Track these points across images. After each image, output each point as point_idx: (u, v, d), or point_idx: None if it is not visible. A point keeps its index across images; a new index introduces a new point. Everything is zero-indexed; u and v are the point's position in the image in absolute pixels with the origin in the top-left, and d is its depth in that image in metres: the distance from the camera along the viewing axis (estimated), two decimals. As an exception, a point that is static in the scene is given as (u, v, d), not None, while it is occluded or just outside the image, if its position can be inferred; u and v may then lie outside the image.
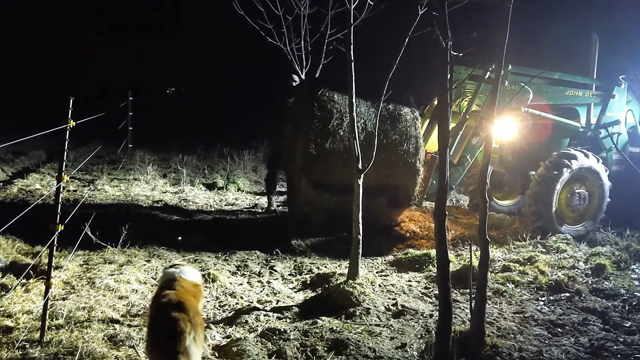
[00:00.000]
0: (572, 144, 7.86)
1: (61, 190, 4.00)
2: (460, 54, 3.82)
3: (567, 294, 5.31)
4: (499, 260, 6.27)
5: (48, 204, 7.61)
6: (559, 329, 4.54)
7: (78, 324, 4.14)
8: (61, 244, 4.77)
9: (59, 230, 3.97)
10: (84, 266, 5.51)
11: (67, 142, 3.99)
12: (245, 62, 18.93)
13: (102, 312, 4.36)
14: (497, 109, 4.07)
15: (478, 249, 4.30)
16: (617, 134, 7.97)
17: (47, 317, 3.99)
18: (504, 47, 3.86)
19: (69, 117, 3.94)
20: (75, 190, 9.05)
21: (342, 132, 6.68)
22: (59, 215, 3.97)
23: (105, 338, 3.96)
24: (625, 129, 8.17)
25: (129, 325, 4.21)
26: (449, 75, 3.69)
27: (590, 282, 5.68)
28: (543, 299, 5.28)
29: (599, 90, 7.86)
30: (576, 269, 6.03)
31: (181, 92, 24.00)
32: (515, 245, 6.86)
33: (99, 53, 20.88)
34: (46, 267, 4.09)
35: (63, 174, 3.98)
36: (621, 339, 4.35)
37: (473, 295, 4.02)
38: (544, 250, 6.65)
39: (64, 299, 4.61)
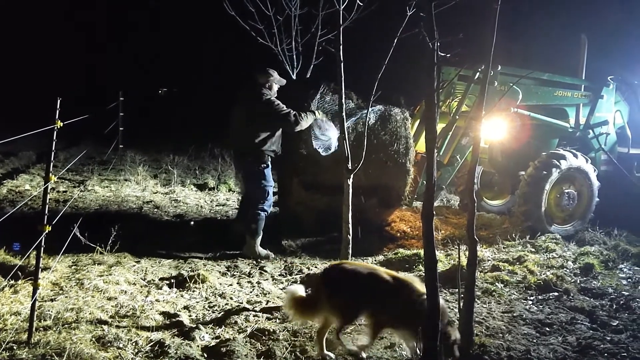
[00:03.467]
0: (561, 144, 7.90)
1: (51, 191, 3.99)
2: (448, 55, 3.83)
3: (556, 293, 5.34)
4: (488, 260, 6.30)
5: (37, 205, 7.58)
6: (547, 328, 4.57)
7: (66, 325, 4.12)
8: (50, 245, 4.75)
9: (47, 231, 3.95)
10: (73, 267, 5.49)
11: (54, 142, 3.98)
12: (236, 63, 18.91)
13: (90, 313, 4.35)
14: (486, 109, 4.10)
15: (467, 248, 4.33)
16: (605, 134, 8.03)
17: (35, 318, 3.97)
18: (492, 48, 3.88)
19: (57, 117, 3.92)
20: (65, 191, 9.01)
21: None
22: (46, 216, 3.95)
23: (94, 339, 3.94)
24: (613, 129, 8.23)
25: (118, 326, 4.20)
26: (436, 76, 3.71)
27: (578, 282, 5.72)
28: (532, 298, 5.31)
29: (588, 91, 7.91)
30: (565, 269, 6.06)
31: (173, 92, 23.92)
32: (505, 244, 6.90)
33: (90, 52, 20.78)
34: (34, 268, 4.07)
35: (51, 174, 3.96)
36: (608, 338, 4.39)
37: (462, 295, 4.04)
38: (533, 249, 6.69)
39: (52, 300, 4.60)
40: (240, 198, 6.76)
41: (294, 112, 6.12)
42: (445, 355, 3.68)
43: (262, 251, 6.37)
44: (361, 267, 4.19)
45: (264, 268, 5.99)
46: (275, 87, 6.38)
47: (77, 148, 12.60)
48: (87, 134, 13.05)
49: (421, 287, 3.82)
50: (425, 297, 3.65)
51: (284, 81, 6.47)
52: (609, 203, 7.59)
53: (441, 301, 3.72)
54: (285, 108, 6.12)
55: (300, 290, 4.05)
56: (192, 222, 6.63)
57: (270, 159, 6.32)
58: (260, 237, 6.36)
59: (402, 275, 4.37)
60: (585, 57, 7.86)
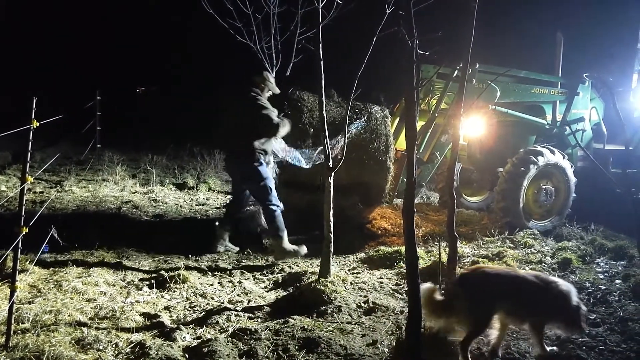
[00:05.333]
0: (538, 141, 7.99)
1: (27, 192, 3.93)
2: (427, 53, 3.85)
3: (535, 288, 5.40)
4: (468, 256, 6.35)
5: (14, 206, 7.46)
6: (527, 323, 4.62)
7: (45, 328, 4.07)
8: (27, 246, 4.69)
9: (24, 233, 3.89)
10: (51, 269, 5.41)
11: (30, 142, 3.91)
12: (215, 61, 18.82)
13: (69, 315, 4.29)
14: (465, 106, 4.13)
15: (448, 245, 4.36)
16: (581, 131, 8.14)
17: (13, 322, 3.91)
18: (470, 46, 3.91)
19: (32, 117, 3.86)
20: (42, 192, 8.88)
21: (312, 131, 6.69)
22: (23, 217, 3.89)
23: (73, 341, 3.89)
24: (589, 126, 8.35)
25: (97, 328, 4.15)
26: (415, 74, 3.73)
27: (556, 276, 5.78)
28: (511, 293, 5.35)
29: (564, 88, 8.01)
30: (543, 264, 6.14)
31: (151, 91, 23.71)
32: (484, 240, 6.96)
33: (66, 50, 20.47)
34: (11, 270, 4.00)
35: (27, 175, 3.90)
36: (586, 332, 4.45)
37: (443, 291, 4.07)
38: (512, 245, 6.76)
39: (30, 303, 4.53)
40: (229, 199, 6.61)
41: (278, 120, 6.01)
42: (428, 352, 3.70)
43: (292, 247, 6.18)
44: (501, 270, 4.16)
45: (245, 267, 5.97)
46: (268, 93, 6.27)
47: (54, 148, 12.42)
48: (64, 133, 12.88)
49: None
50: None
51: (277, 90, 6.36)
52: (585, 198, 7.70)
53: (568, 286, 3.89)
54: (274, 116, 6.01)
55: (436, 291, 4.01)
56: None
57: (262, 157, 6.16)
58: (285, 232, 6.16)
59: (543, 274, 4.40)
60: (562, 54, 7.96)
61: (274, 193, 6.20)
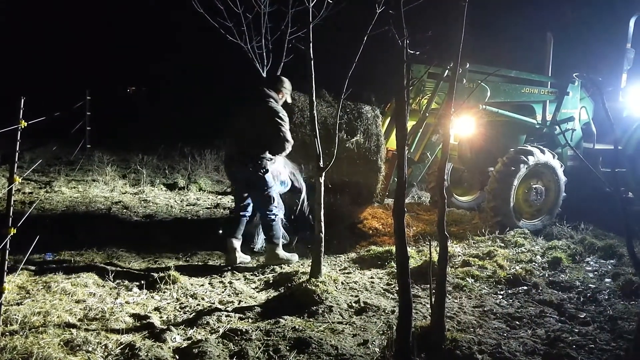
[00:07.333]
0: (528, 141, 8.03)
1: (16, 192, 3.89)
2: (417, 52, 3.85)
3: (525, 287, 5.43)
4: (458, 255, 6.37)
5: (1, 207, 7.40)
6: (517, 322, 4.64)
7: (33, 329, 4.03)
8: (15, 247, 4.64)
9: (12, 234, 3.86)
10: (40, 270, 5.37)
11: (18, 143, 3.88)
12: (206, 61, 18.77)
13: (58, 317, 4.26)
14: (456, 106, 4.14)
15: (438, 244, 4.36)
16: (571, 130, 8.18)
17: (1, 323, 3.88)
18: (460, 46, 3.92)
19: (20, 117, 3.83)
20: (31, 193, 8.82)
21: (303, 130, 6.68)
22: (11, 218, 3.85)
23: (62, 343, 3.86)
24: (579, 125, 8.39)
25: (86, 330, 4.12)
26: (406, 74, 3.72)
27: (546, 275, 5.82)
28: (502, 292, 5.38)
29: (554, 88, 8.05)
30: (533, 263, 6.17)
31: (142, 91, 23.63)
32: (475, 240, 6.98)
33: (56, 50, 20.35)
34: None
35: (15, 175, 3.87)
36: (576, 330, 4.48)
37: (433, 291, 4.07)
38: (503, 244, 6.79)
39: (18, 304, 4.49)
40: (233, 206, 6.39)
41: (291, 139, 5.83)
42: (419, 351, 3.70)
43: (286, 254, 6.11)
44: None
45: (236, 268, 5.95)
46: (282, 101, 6.13)
47: (44, 148, 12.34)
48: (54, 134, 12.78)
49: None
50: None
51: (290, 100, 6.25)
52: (575, 198, 7.74)
53: None
54: (288, 134, 5.84)
55: None
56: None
57: (269, 165, 6.00)
58: (280, 240, 6.09)
59: None
60: (551, 54, 8.00)
61: (276, 202, 6.07)
